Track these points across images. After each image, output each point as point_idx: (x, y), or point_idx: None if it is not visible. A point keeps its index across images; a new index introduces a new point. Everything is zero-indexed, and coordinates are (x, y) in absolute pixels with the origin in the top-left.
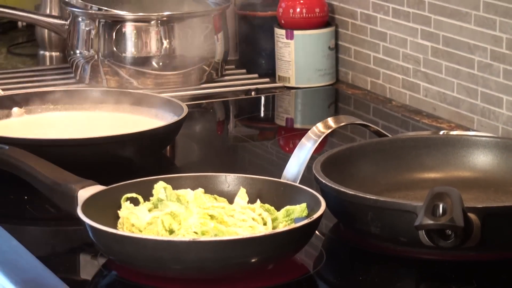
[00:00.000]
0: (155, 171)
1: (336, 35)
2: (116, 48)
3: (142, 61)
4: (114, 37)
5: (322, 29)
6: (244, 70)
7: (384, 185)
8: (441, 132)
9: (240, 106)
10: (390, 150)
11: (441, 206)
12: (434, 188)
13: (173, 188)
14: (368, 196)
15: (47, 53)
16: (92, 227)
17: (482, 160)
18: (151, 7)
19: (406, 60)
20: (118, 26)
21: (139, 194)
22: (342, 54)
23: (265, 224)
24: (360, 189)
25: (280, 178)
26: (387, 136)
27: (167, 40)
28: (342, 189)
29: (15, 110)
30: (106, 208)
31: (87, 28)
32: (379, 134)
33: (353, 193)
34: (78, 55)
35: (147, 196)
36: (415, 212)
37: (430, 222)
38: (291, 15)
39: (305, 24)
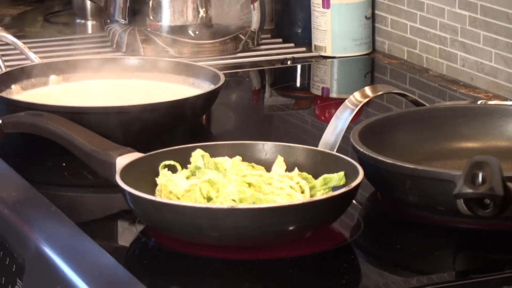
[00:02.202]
0: (192, 139)
1: (373, 4)
2: (152, 17)
3: (179, 29)
4: (151, 5)
5: None
6: (280, 40)
7: (421, 154)
8: (479, 102)
9: (276, 75)
10: (428, 119)
11: (480, 175)
12: (473, 157)
13: (211, 156)
14: (406, 165)
15: (84, 22)
16: (130, 194)
17: None
18: None
19: (443, 29)
20: None
21: (177, 161)
22: (379, 23)
23: (302, 192)
24: (398, 158)
25: (317, 147)
26: (425, 105)
27: (204, 9)
28: (380, 158)
29: (53, 77)
30: (144, 175)
31: None
32: (416, 103)
33: (391, 161)
34: (115, 23)
35: (184, 163)
36: (453, 181)
37: (469, 191)
38: None
39: None
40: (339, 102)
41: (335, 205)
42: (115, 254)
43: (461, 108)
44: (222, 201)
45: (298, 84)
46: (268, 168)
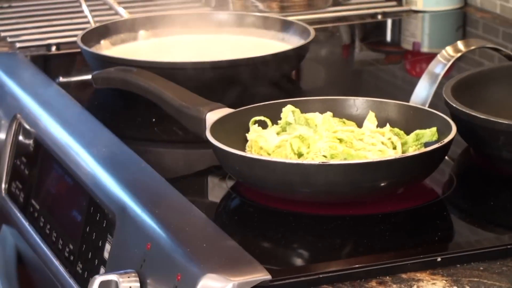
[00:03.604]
0: (283, 95)
1: None
2: None
3: None
4: None
5: None
6: None
7: None
8: None
9: (367, 30)
10: None
11: None
12: None
13: (301, 112)
14: (500, 121)
15: None
16: (220, 150)
17: None
18: None
19: None
20: None
21: (267, 117)
22: None
23: (394, 148)
24: (491, 113)
25: (408, 102)
26: None
27: None
28: (474, 113)
29: (142, 33)
30: (234, 131)
31: None
32: (510, 57)
33: (484, 117)
34: None
35: (275, 119)
36: None
37: None
38: None
39: None
40: (430, 57)
41: (427, 161)
42: (205, 210)
43: None
44: (313, 157)
45: (388, 38)
46: (359, 124)
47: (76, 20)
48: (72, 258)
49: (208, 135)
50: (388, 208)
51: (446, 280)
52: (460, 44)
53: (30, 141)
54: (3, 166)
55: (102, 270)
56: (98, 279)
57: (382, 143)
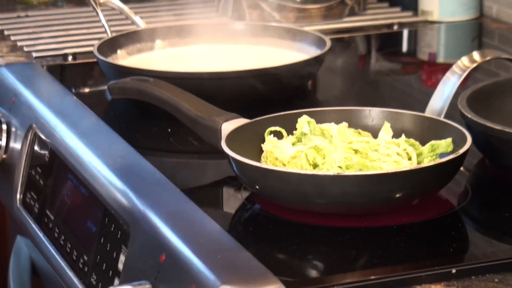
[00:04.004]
0: (298, 105)
1: None
2: None
3: None
4: None
5: None
6: (386, 4)
7: None
8: None
9: (382, 40)
10: None
11: None
12: None
13: (317, 122)
14: None
15: None
16: (236, 160)
17: None
18: None
19: None
20: None
21: (282, 127)
22: None
23: (409, 159)
24: (506, 124)
25: (423, 113)
26: None
27: None
28: (489, 124)
29: (158, 43)
30: (250, 141)
31: None
32: None
33: (500, 128)
34: None
35: (290, 130)
36: None
37: None
38: None
39: None
40: (446, 67)
41: (442, 172)
42: (220, 220)
43: None
44: (328, 168)
45: (404, 49)
46: (375, 135)
47: (92, 30)
48: (86, 269)
49: (224, 145)
50: (403, 219)
51: None
52: (475, 55)
53: (46, 152)
54: (18, 177)
55: (116, 281)
56: None
57: (398, 154)
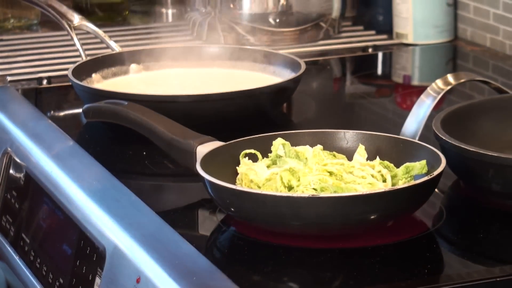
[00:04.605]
0: (273, 128)
1: None
2: (233, 5)
3: (259, 17)
4: None
5: None
6: (361, 27)
7: (505, 143)
8: None
9: (357, 63)
10: None
11: None
12: None
13: (292, 145)
14: (489, 153)
15: (164, 10)
16: (211, 183)
17: None
18: None
19: None
20: None
21: (257, 150)
22: (461, 10)
23: (384, 181)
24: (481, 146)
25: (398, 135)
26: (508, 92)
27: None
28: (463, 146)
29: (133, 66)
30: (225, 164)
31: None
32: (500, 91)
33: (474, 149)
34: (195, 11)
35: (265, 152)
36: None
37: None
38: None
39: None
40: (420, 90)
41: (417, 194)
42: (195, 243)
43: None
44: (303, 190)
45: (379, 72)
46: (350, 157)
47: (67, 53)
48: None
49: (199, 168)
50: (378, 241)
51: None
52: (450, 77)
53: (21, 175)
54: None
55: None
56: None
57: (372, 176)
